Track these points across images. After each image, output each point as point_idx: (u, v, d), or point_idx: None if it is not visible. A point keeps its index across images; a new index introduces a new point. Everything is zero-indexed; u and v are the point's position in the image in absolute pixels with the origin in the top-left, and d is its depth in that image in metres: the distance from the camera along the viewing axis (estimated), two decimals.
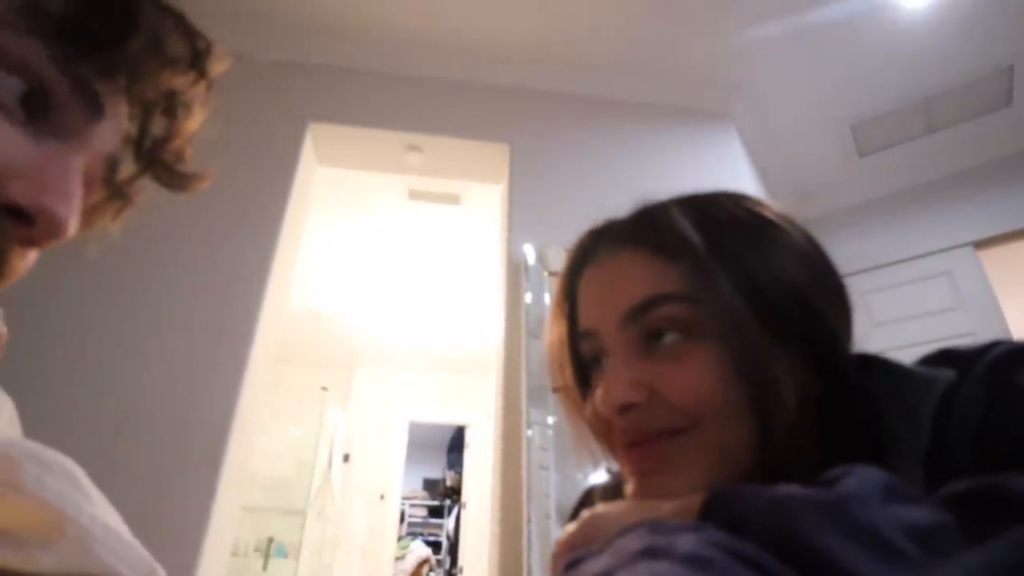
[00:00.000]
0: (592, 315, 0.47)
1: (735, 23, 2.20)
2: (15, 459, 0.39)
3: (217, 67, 0.41)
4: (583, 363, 0.50)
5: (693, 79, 2.46)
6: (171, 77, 0.38)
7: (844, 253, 0.47)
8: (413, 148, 2.31)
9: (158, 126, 0.39)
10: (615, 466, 0.49)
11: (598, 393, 0.44)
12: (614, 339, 0.45)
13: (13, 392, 0.45)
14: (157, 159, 0.41)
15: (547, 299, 1.91)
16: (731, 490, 0.33)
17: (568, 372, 0.52)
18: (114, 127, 0.36)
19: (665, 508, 0.37)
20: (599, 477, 0.57)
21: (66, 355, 1.70)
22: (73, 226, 0.33)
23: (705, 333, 0.42)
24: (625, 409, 0.42)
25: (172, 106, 0.39)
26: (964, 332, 2.43)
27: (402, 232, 3.47)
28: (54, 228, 0.32)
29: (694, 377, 0.41)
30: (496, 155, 2.31)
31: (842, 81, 2.44)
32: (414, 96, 2.34)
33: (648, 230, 0.47)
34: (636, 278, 0.44)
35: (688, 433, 0.41)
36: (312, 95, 2.26)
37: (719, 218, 0.46)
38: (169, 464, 1.61)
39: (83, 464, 0.44)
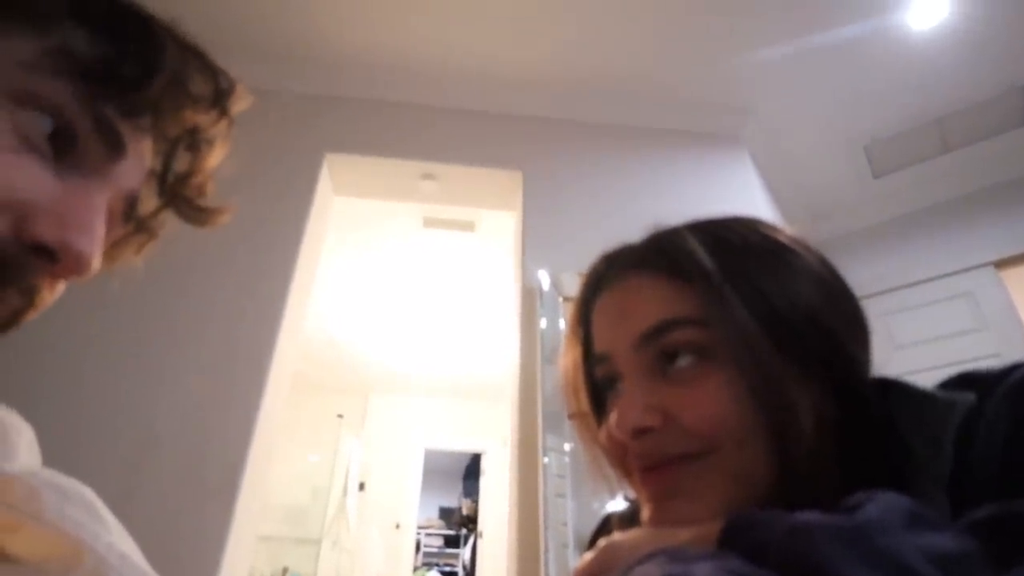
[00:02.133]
0: (606, 339, 0.47)
1: (745, 48, 2.22)
2: (35, 488, 0.39)
3: (239, 105, 0.43)
4: (598, 388, 0.50)
5: (704, 104, 2.48)
6: (194, 115, 0.40)
7: (862, 275, 0.47)
8: (427, 176, 2.34)
9: (181, 161, 0.41)
10: (632, 493, 0.49)
11: (612, 418, 0.44)
12: (628, 363, 0.45)
13: (30, 420, 0.46)
14: (179, 194, 0.42)
15: (562, 325, 1.91)
16: (750, 517, 0.32)
17: (583, 397, 0.52)
18: (137, 165, 0.37)
19: (683, 535, 0.36)
20: (617, 505, 0.56)
21: (83, 384, 1.72)
22: (96, 261, 0.34)
23: (720, 356, 0.41)
24: (639, 433, 0.42)
25: (195, 142, 0.41)
26: (988, 353, 2.38)
27: (417, 259, 3.50)
28: (78, 264, 0.33)
29: (709, 401, 0.41)
30: (509, 182, 2.33)
31: (853, 103, 2.44)
32: (428, 125, 2.38)
33: (661, 255, 0.47)
34: (650, 302, 0.45)
35: (704, 458, 0.41)
36: (328, 126, 2.31)
37: (732, 242, 0.46)
38: (185, 493, 1.61)
39: (100, 493, 0.44)
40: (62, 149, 0.33)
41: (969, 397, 0.37)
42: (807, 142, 2.65)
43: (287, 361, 1.98)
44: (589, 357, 0.50)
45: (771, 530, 0.29)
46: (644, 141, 2.46)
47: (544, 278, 1.98)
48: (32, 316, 0.34)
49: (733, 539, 0.31)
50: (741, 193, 2.38)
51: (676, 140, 2.48)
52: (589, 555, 0.41)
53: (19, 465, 0.42)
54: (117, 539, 0.42)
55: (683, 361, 0.42)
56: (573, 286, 1.87)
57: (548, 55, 2.30)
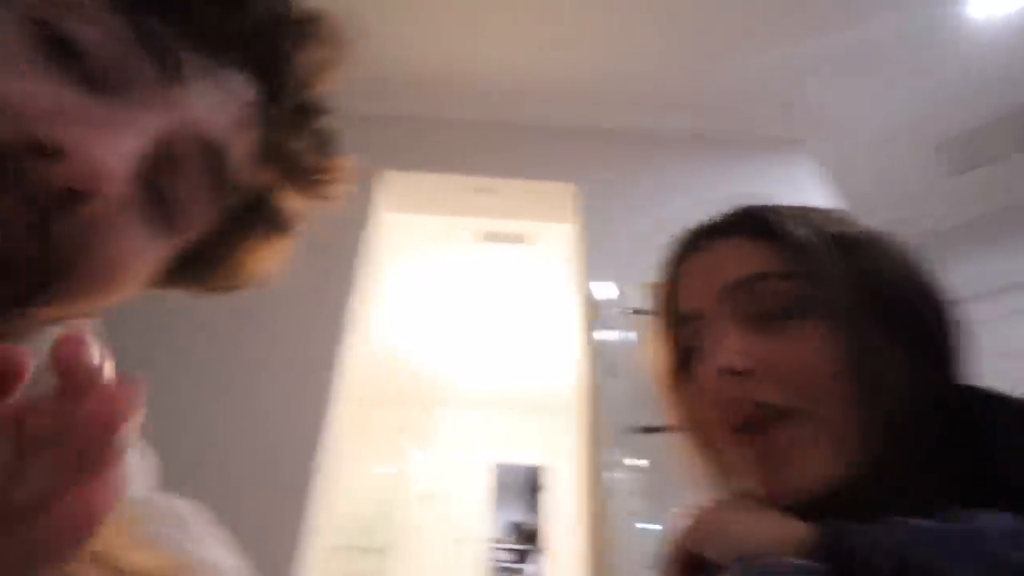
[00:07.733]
0: (694, 296, 0.46)
1: (805, 48, 2.15)
2: (136, 511, 0.41)
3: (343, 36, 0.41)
4: (685, 354, 0.47)
5: (765, 107, 2.40)
6: (306, 54, 0.38)
7: (946, 282, 0.46)
8: (481, 191, 2.36)
9: (302, 139, 0.39)
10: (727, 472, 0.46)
11: (705, 363, 0.42)
12: (719, 314, 0.44)
13: None
14: (298, 166, 0.41)
15: (629, 336, 1.87)
16: (842, 525, 0.30)
17: (671, 359, 0.49)
18: (210, 104, 0.34)
19: (785, 531, 0.34)
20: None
21: (149, 402, 1.79)
22: (115, 177, 0.28)
23: (813, 312, 0.41)
24: (735, 373, 0.40)
25: (309, 80, 0.39)
26: None
27: (474, 273, 3.53)
28: (89, 167, 0.27)
29: (804, 352, 0.40)
30: (563, 194, 2.32)
31: (922, 100, 2.32)
32: (480, 140, 2.41)
33: (749, 220, 0.47)
34: (740, 259, 0.45)
35: (802, 419, 0.39)
36: (382, 144, 2.35)
37: (813, 219, 0.46)
38: (256, 506, 1.65)
39: None
40: (92, 71, 0.29)
41: None
42: (874, 143, 2.53)
43: (352, 374, 2.03)
44: (676, 320, 0.48)
45: (864, 538, 0.27)
46: (704, 148, 2.41)
47: (609, 290, 1.95)
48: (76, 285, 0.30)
49: (824, 547, 0.29)
50: (806, 196, 2.28)
51: (737, 146, 2.41)
52: (687, 522, 0.40)
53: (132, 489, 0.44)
54: (211, 553, 0.44)
55: (776, 312, 0.41)
56: (638, 298, 1.84)
57: (599, 66, 2.28)
